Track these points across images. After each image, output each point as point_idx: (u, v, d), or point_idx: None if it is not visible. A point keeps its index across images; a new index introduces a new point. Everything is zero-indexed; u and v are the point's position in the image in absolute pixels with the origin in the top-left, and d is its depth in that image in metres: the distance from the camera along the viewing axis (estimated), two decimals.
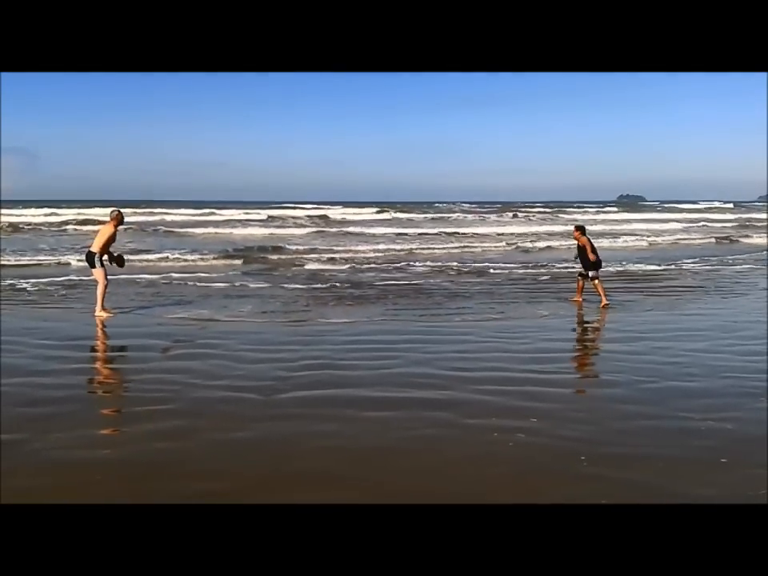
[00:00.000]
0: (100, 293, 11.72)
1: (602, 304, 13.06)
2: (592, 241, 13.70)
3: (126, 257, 12.96)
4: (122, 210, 12.54)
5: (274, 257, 21.86)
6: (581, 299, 13.51)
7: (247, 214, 47.38)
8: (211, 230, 34.80)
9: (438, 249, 26.39)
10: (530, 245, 28.59)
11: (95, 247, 11.86)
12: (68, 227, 34.98)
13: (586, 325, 11.78)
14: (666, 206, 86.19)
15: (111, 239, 12.01)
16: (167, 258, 20.84)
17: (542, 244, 28.86)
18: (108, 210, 13.60)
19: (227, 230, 34.77)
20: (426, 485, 5.00)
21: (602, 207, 75.55)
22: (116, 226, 12.07)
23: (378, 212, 54.83)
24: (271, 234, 33.62)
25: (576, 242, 13.73)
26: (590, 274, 13.36)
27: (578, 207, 73.41)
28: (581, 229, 13.76)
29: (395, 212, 54.96)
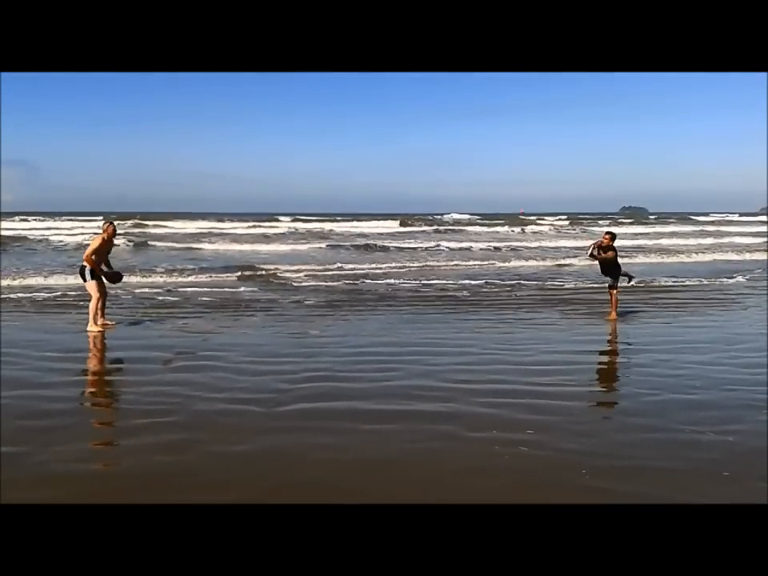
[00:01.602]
0: (92, 307, 11.58)
1: (610, 317, 13.00)
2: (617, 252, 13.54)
3: (124, 274, 12.78)
4: (114, 222, 12.34)
5: (277, 269, 21.82)
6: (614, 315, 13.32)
7: (248, 228, 47.41)
8: (212, 243, 34.83)
9: (447, 263, 26.24)
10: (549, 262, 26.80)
11: (85, 260, 11.69)
12: (67, 239, 35.04)
13: (588, 337, 11.74)
14: (690, 217, 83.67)
15: (101, 250, 11.73)
16: (169, 271, 20.82)
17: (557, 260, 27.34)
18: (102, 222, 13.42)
19: (228, 243, 34.79)
20: (428, 497, 4.97)
21: (616, 218, 74.59)
22: (106, 238, 11.83)
23: (401, 224, 55.17)
24: (273, 247, 33.58)
25: (601, 243, 13.48)
26: (611, 282, 13.27)
27: (592, 219, 72.40)
28: (613, 237, 13.61)
29: (408, 224, 55.24)
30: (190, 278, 19.46)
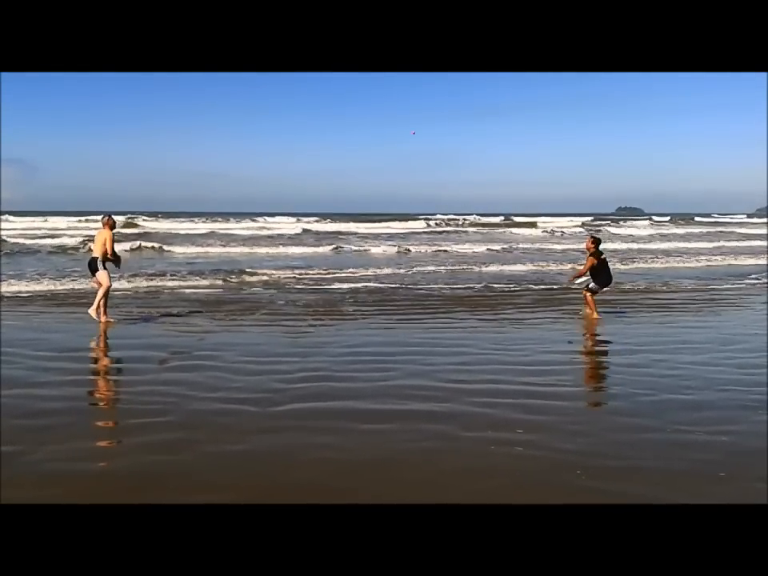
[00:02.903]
0: (101, 294, 11.91)
1: (593, 316, 13.04)
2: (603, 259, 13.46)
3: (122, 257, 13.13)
4: (111, 216, 12.63)
5: (274, 270, 21.78)
6: (597, 315, 13.34)
7: (246, 230, 47.35)
8: (209, 243, 34.81)
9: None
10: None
11: (96, 252, 12.11)
12: (65, 239, 34.89)
13: (584, 337, 11.77)
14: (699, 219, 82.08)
15: (110, 242, 12.18)
16: (167, 271, 20.77)
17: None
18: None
19: (226, 244, 34.77)
20: (423, 497, 4.96)
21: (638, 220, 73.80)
22: (110, 230, 12.29)
23: (428, 226, 55.33)
24: (272, 249, 33.48)
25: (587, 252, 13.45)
26: (591, 285, 13.22)
27: (595, 220, 71.79)
28: (597, 242, 13.49)
29: (407, 225, 55.26)
30: (188, 278, 19.40)
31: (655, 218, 79.01)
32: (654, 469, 5.55)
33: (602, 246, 13.57)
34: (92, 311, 11.88)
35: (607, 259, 13.62)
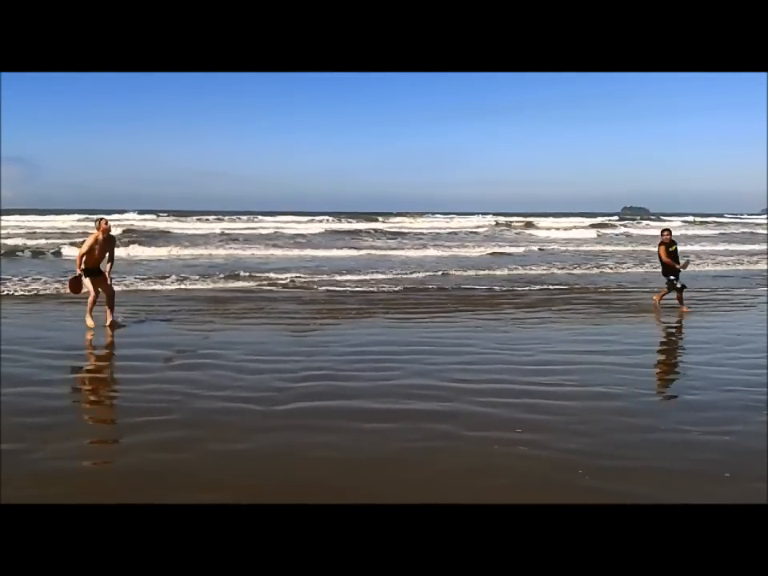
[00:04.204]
0: (89, 302, 11.56)
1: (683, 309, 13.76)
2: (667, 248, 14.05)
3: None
4: (106, 219, 12.07)
5: (276, 270, 21.78)
6: (685, 309, 13.92)
7: (251, 229, 47.32)
8: (212, 243, 34.82)
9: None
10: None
11: (77, 259, 11.66)
12: (66, 238, 34.89)
13: (587, 337, 11.73)
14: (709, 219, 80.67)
15: (92, 249, 11.59)
16: (171, 270, 20.82)
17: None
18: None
19: (228, 243, 34.78)
20: (426, 497, 4.97)
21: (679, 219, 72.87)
22: (99, 237, 11.67)
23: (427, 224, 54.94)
24: (278, 248, 33.47)
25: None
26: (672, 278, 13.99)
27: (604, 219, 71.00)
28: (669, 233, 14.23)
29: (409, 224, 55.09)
30: (192, 276, 19.43)
31: (670, 218, 78.14)
32: (657, 469, 5.54)
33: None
34: (87, 320, 11.52)
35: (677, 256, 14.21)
